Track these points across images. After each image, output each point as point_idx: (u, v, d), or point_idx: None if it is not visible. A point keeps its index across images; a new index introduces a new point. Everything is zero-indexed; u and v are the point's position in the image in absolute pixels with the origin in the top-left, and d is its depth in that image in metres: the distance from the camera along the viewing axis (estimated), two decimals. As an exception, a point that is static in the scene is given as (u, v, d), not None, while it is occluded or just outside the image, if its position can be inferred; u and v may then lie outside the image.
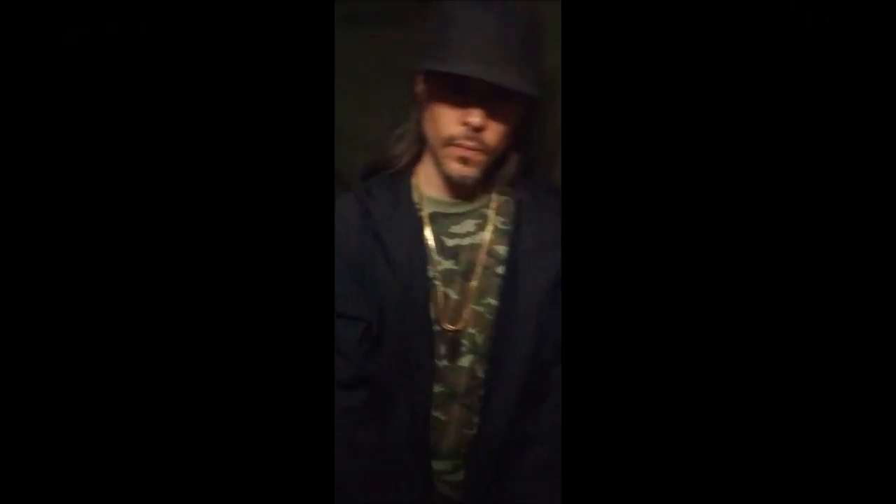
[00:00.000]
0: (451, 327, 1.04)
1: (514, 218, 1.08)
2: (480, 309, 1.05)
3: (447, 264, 1.06)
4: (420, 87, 1.03)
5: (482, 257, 1.05)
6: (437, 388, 1.05)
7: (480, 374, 1.06)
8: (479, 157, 1.00)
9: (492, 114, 0.97)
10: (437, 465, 1.08)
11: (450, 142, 0.99)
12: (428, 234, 1.05)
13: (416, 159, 1.10)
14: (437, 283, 1.04)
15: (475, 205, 1.09)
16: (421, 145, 1.08)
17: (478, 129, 0.96)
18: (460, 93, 0.96)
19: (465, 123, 0.96)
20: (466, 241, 1.07)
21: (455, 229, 1.07)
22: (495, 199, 1.09)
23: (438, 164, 1.03)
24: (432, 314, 1.04)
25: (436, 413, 1.06)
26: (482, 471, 1.07)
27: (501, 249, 1.06)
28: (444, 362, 1.05)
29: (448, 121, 0.98)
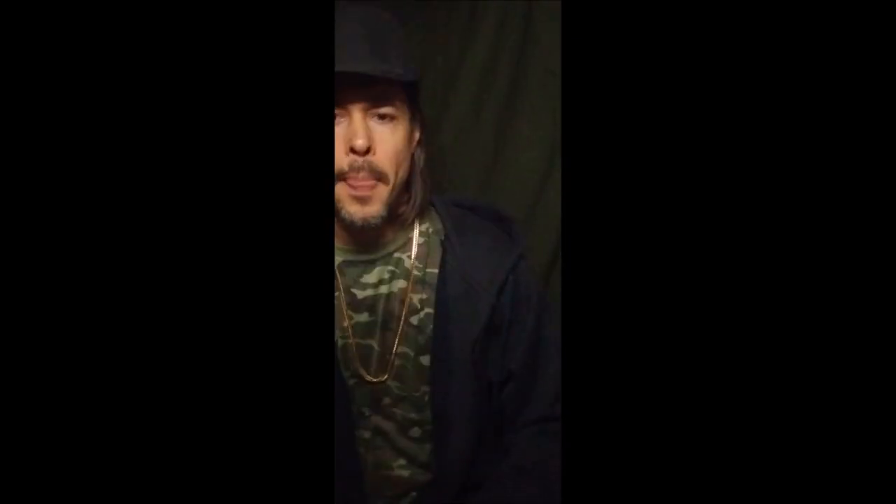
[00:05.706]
0: (373, 379, 1.02)
1: (437, 261, 1.00)
2: (401, 362, 1.02)
3: (360, 318, 1.00)
4: None
5: (398, 307, 1.00)
6: (364, 434, 1.04)
7: (414, 429, 1.04)
8: (377, 191, 0.92)
9: (376, 133, 0.91)
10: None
11: (341, 177, 0.91)
12: (337, 287, 0.98)
13: None
14: (347, 338, 1.00)
15: (387, 249, 1.00)
16: None
17: (365, 153, 0.90)
18: (342, 114, 0.90)
19: (351, 149, 0.90)
20: (382, 290, 1.00)
21: (366, 279, 0.99)
22: (411, 241, 1.01)
23: (338, 211, 0.93)
24: (349, 367, 1.01)
25: (360, 449, 1.04)
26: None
27: (417, 299, 1.01)
28: (367, 411, 1.03)
29: (337, 156, 0.90)
